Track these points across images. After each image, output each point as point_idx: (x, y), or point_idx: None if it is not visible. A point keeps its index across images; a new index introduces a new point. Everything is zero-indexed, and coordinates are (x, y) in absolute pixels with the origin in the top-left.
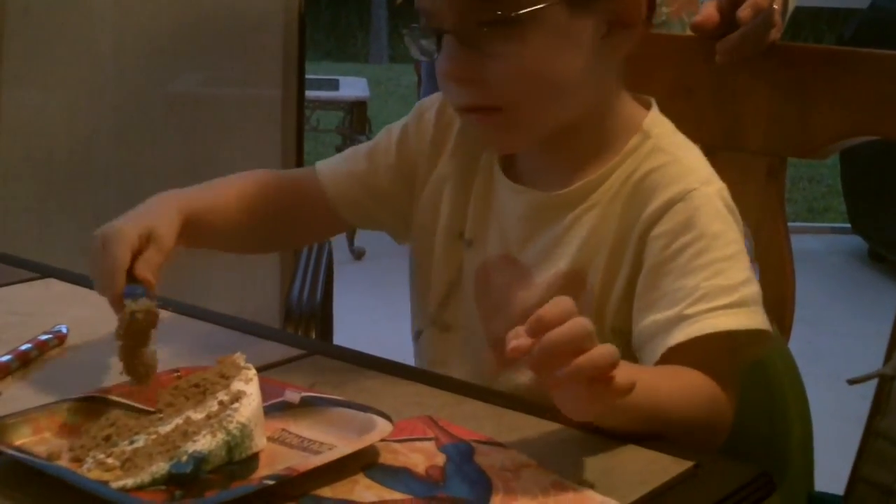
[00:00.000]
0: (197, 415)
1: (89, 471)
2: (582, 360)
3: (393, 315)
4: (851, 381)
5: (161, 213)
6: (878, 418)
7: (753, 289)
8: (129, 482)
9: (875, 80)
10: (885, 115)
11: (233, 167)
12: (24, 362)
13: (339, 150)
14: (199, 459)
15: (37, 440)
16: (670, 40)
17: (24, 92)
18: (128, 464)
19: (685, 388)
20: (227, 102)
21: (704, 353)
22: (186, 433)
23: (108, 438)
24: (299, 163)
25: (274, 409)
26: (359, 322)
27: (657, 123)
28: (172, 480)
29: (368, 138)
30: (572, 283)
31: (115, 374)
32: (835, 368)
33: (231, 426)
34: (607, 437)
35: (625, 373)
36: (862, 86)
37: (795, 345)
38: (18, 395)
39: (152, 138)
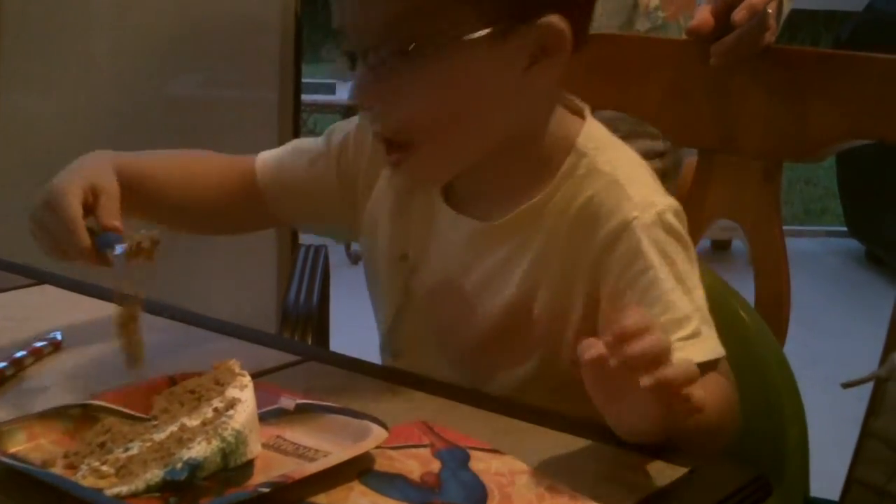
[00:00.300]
0: (192, 421)
1: (84, 478)
2: (666, 372)
3: None
4: (846, 385)
5: (98, 169)
6: (871, 419)
7: (702, 313)
8: (123, 489)
9: (871, 83)
10: (881, 118)
11: None
12: (19, 369)
13: None
14: (194, 466)
15: (31, 447)
16: (666, 44)
17: (21, 95)
18: (122, 471)
19: (717, 400)
20: (223, 105)
21: None
22: (181, 440)
23: (102, 445)
24: None
25: (269, 415)
26: (355, 326)
27: (591, 138)
28: (167, 487)
29: None
30: (518, 312)
31: (110, 381)
32: (831, 371)
33: (226, 433)
34: (602, 442)
35: (699, 390)
36: (858, 89)
37: (791, 347)
38: (13, 401)
39: (149, 141)
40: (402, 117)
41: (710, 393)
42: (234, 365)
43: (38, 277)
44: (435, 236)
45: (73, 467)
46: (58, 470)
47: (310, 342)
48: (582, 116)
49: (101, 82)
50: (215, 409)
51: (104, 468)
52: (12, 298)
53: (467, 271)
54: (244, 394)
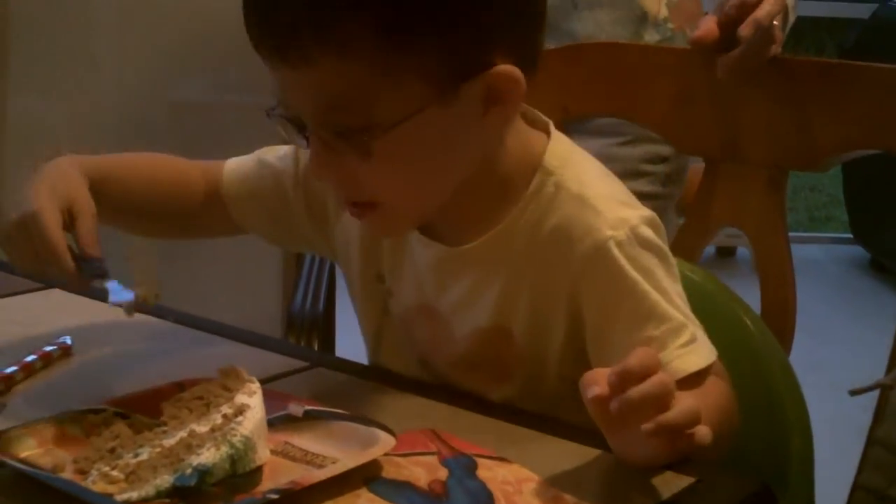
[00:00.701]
0: (201, 427)
1: (94, 483)
2: (668, 418)
3: None
4: (853, 392)
5: (71, 183)
6: (875, 426)
7: (691, 318)
8: (133, 495)
9: (875, 94)
10: (885, 129)
11: None
12: (28, 373)
13: None
14: (203, 472)
15: (41, 452)
16: (670, 52)
17: (28, 99)
18: (132, 476)
19: (719, 409)
20: (229, 110)
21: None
22: (190, 446)
23: (112, 451)
24: None
25: (277, 421)
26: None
27: (556, 155)
28: (177, 493)
29: None
30: (498, 337)
31: (120, 385)
32: (836, 378)
33: (235, 439)
34: (609, 450)
35: (705, 427)
36: (862, 99)
37: (796, 354)
38: (23, 406)
39: (155, 145)
40: (360, 189)
41: (710, 402)
42: (243, 371)
43: (46, 281)
44: (408, 258)
45: (82, 472)
46: (67, 475)
47: (316, 347)
48: (546, 131)
49: (108, 87)
50: (224, 416)
51: (114, 473)
52: (21, 302)
53: (440, 295)
54: (253, 400)
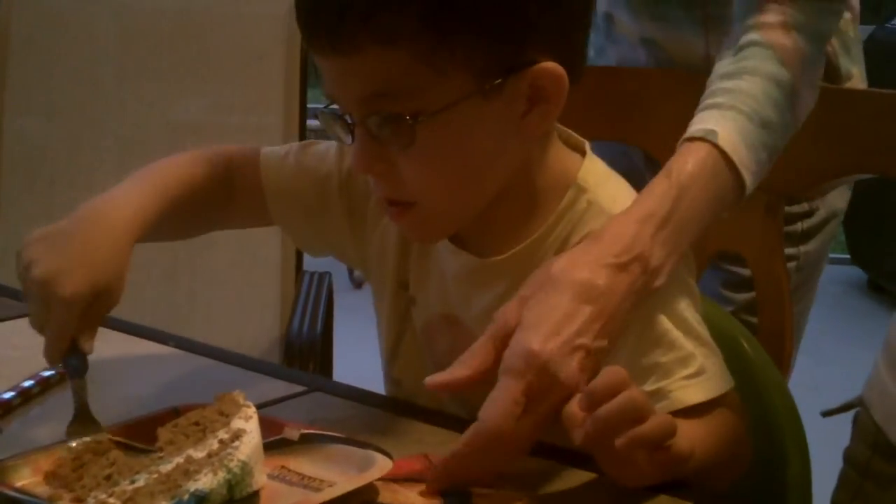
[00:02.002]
0: (197, 453)
1: None
2: (640, 431)
3: None
4: (825, 414)
5: (113, 255)
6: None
7: (707, 349)
8: None
9: (871, 119)
10: (881, 153)
11: None
12: (26, 398)
13: None
14: (201, 498)
15: (37, 481)
16: (669, 76)
17: (27, 120)
18: (129, 503)
19: (719, 437)
20: (228, 130)
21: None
22: (188, 472)
23: (108, 478)
24: None
25: (273, 445)
26: (358, 351)
27: (591, 172)
28: None
29: None
30: None
31: (117, 411)
32: (833, 398)
33: (232, 464)
34: (603, 474)
35: (683, 440)
36: (858, 124)
37: (793, 375)
38: (20, 431)
39: None
40: (402, 185)
41: (710, 429)
42: (239, 396)
43: None
44: (435, 268)
45: (80, 500)
46: (65, 503)
47: (313, 369)
48: (581, 151)
49: (107, 108)
50: (221, 441)
51: (111, 501)
52: (19, 327)
53: (466, 305)
54: (249, 425)
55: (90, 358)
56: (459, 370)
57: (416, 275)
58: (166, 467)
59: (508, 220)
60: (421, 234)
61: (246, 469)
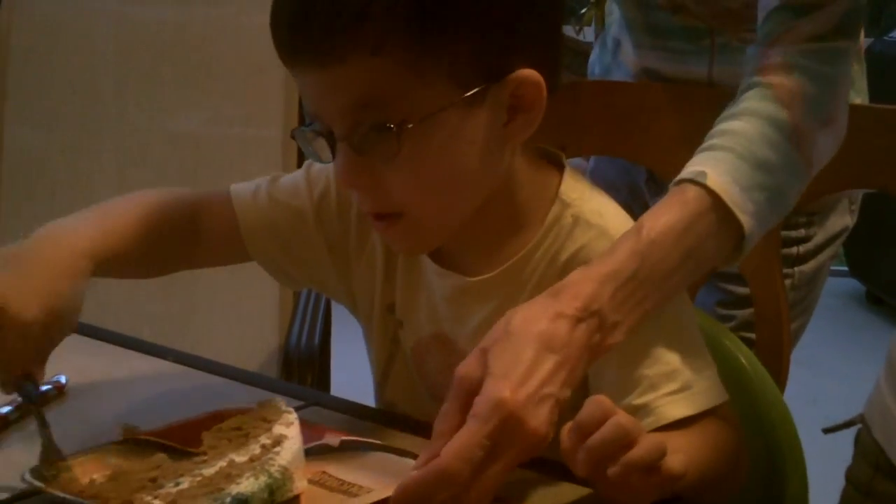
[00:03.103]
0: (240, 457)
1: None
2: (632, 457)
3: None
4: (826, 430)
5: (71, 282)
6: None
7: (697, 361)
8: None
9: (871, 134)
10: (880, 169)
11: None
12: (23, 413)
13: None
14: (243, 501)
15: (84, 483)
16: (668, 90)
17: (27, 130)
18: None
19: (711, 448)
20: (227, 143)
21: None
22: (230, 475)
23: (153, 480)
24: None
25: (314, 451)
26: (356, 364)
27: (572, 186)
28: None
29: None
30: None
31: (116, 424)
32: (831, 411)
33: (273, 469)
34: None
35: (676, 457)
36: (856, 139)
37: (791, 387)
38: (18, 446)
39: (153, 178)
40: (386, 197)
41: (701, 441)
42: (280, 402)
43: None
44: (422, 289)
45: (126, 502)
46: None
47: (311, 381)
48: (560, 165)
49: (107, 119)
50: (263, 446)
51: (155, 502)
52: None
53: (456, 325)
54: (290, 431)
55: (92, 372)
56: (437, 443)
57: (403, 297)
58: (209, 471)
59: (493, 237)
60: (408, 245)
61: (286, 474)
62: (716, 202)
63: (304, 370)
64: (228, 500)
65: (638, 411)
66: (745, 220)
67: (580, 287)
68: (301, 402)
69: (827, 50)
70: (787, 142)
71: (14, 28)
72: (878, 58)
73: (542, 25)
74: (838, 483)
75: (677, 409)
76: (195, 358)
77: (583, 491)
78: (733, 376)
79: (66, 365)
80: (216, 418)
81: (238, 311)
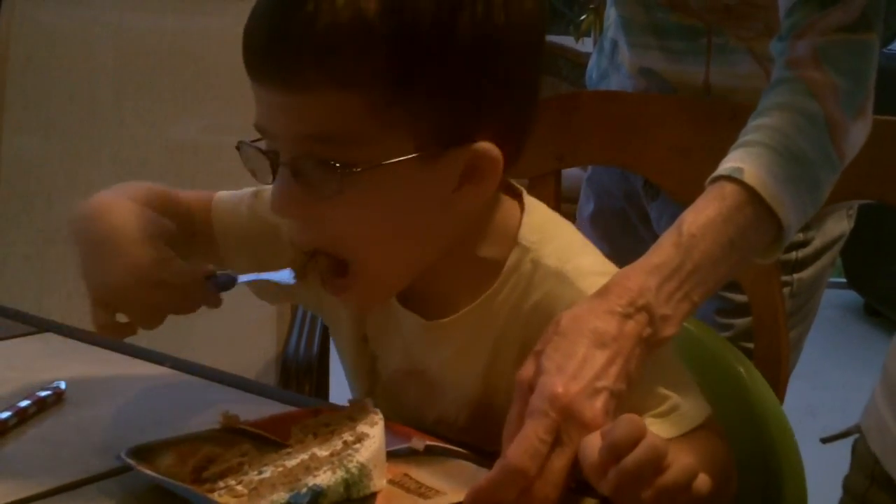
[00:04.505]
0: (322, 452)
1: (220, 496)
2: (666, 481)
3: None
4: (824, 440)
5: (131, 213)
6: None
7: (678, 380)
8: None
9: (870, 145)
10: (878, 180)
11: None
12: (22, 419)
13: None
14: (317, 493)
15: (178, 465)
16: (668, 101)
17: (25, 138)
18: (253, 493)
19: (713, 464)
20: (226, 151)
21: None
22: (309, 468)
23: (240, 466)
24: None
25: (400, 453)
26: None
27: (532, 228)
28: None
29: None
30: (484, 405)
31: (114, 431)
32: (829, 423)
33: (350, 465)
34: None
35: (703, 478)
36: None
37: (789, 399)
38: (16, 452)
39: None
40: (321, 233)
41: (702, 460)
42: (369, 403)
43: (40, 325)
44: (392, 323)
45: (213, 483)
46: (198, 487)
47: (309, 389)
48: (520, 198)
49: (104, 126)
50: (345, 442)
51: (238, 488)
52: (14, 347)
53: (423, 360)
54: (373, 430)
55: (91, 379)
56: (507, 447)
57: (374, 331)
58: (291, 462)
59: (454, 284)
60: (357, 300)
61: (364, 471)
62: (753, 197)
63: (302, 378)
64: (304, 490)
65: None
66: (783, 213)
67: (626, 284)
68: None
69: (854, 42)
70: (822, 134)
71: (13, 36)
72: (878, 70)
73: (512, 104)
74: (835, 493)
75: (665, 430)
76: (194, 365)
77: (591, 502)
78: (733, 387)
79: (65, 371)
80: (310, 414)
81: (236, 321)
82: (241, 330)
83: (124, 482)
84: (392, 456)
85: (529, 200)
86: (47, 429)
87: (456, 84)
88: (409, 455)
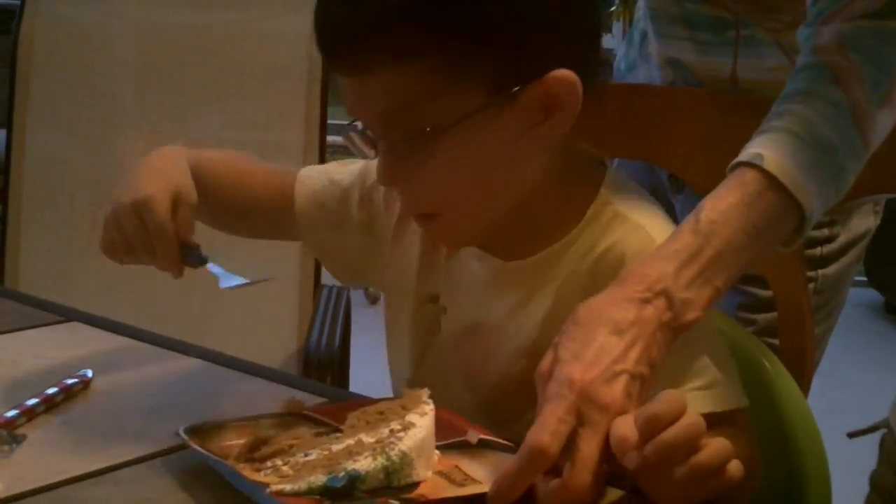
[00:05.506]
0: (368, 438)
1: (266, 475)
2: (700, 461)
3: None
4: (851, 435)
5: (177, 167)
6: (874, 470)
7: (722, 364)
8: (286, 487)
9: (893, 139)
10: None
11: None
12: (49, 406)
13: None
14: (355, 478)
15: (236, 444)
16: (690, 94)
17: (49, 134)
18: (297, 474)
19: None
20: (248, 146)
21: None
22: (352, 453)
23: (290, 447)
24: None
25: (454, 446)
26: (372, 365)
27: (615, 186)
28: (326, 493)
29: None
30: (540, 354)
31: (139, 419)
32: (849, 421)
33: (392, 452)
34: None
35: (735, 463)
36: (884, 142)
37: (810, 397)
38: (43, 439)
39: None
40: (423, 197)
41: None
42: (423, 393)
43: (67, 314)
44: (463, 275)
45: (261, 462)
46: (247, 465)
47: (330, 383)
48: (603, 166)
49: (128, 123)
50: (391, 430)
51: (284, 468)
52: (41, 335)
53: (490, 310)
54: (421, 420)
55: (117, 367)
56: None
57: (447, 286)
58: (337, 447)
59: (532, 228)
60: (445, 240)
61: (405, 460)
62: (774, 183)
63: (323, 372)
64: (342, 474)
65: None
66: (805, 200)
67: (643, 270)
68: (324, 400)
69: (881, 29)
70: (847, 122)
71: (37, 33)
72: None
73: (580, 26)
74: (857, 489)
75: (702, 404)
76: (220, 355)
77: (616, 493)
78: (758, 382)
79: (92, 360)
80: (370, 401)
81: (258, 315)
82: (263, 323)
83: (164, 464)
84: (446, 448)
85: (612, 167)
86: (74, 416)
87: (521, 26)
88: (463, 447)
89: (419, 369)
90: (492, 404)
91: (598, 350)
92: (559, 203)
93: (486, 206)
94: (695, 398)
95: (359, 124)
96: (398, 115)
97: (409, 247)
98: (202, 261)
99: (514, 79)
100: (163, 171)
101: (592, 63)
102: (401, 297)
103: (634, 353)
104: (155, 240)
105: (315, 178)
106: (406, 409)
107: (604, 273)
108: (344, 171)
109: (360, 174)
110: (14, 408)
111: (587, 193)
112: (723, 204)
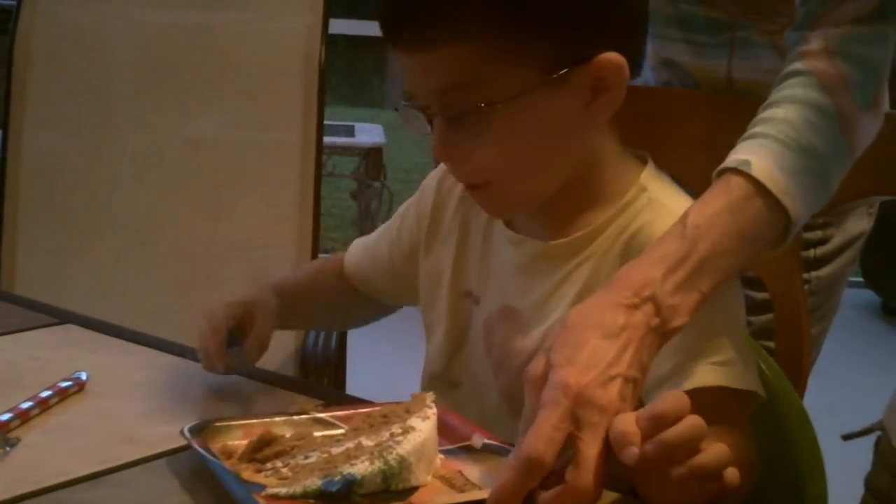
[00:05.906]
0: (368, 442)
1: (266, 477)
2: (700, 462)
3: (405, 361)
4: (845, 437)
5: (259, 290)
6: (869, 471)
7: (741, 348)
8: (282, 490)
9: (888, 141)
10: None
11: (252, 211)
12: (44, 408)
13: (353, 196)
14: (351, 482)
15: (241, 444)
16: (692, 96)
17: (47, 134)
18: (294, 476)
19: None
20: (246, 146)
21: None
22: (350, 456)
23: (292, 448)
24: (316, 208)
25: (459, 451)
26: (370, 368)
27: (654, 177)
28: (322, 496)
29: (383, 184)
30: None
31: (134, 421)
32: (847, 422)
33: (390, 457)
34: (628, 493)
35: (733, 469)
36: (875, 146)
37: (807, 398)
38: (38, 441)
39: (171, 182)
40: (476, 169)
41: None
42: (428, 397)
43: (61, 317)
44: (494, 266)
45: (262, 463)
46: (248, 465)
47: (327, 384)
48: (644, 162)
49: (125, 122)
50: (392, 434)
51: (284, 470)
52: (37, 338)
53: (522, 295)
54: (423, 424)
55: (112, 370)
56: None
57: (479, 277)
58: (337, 450)
59: (570, 210)
60: (495, 207)
61: (404, 464)
62: (760, 189)
63: (321, 374)
64: (338, 478)
65: (676, 372)
66: (791, 205)
67: (631, 276)
68: (321, 403)
69: (869, 34)
70: (833, 127)
71: (35, 32)
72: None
73: (629, 14)
74: (853, 490)
75: (715, 377)
76: None
77: (612, 496)
78: None
79: (87, 362)
80: (383, 405)
81: None
82: None
83: (160, 466)
84: (450, 454)
85: (652, 163)
86: (69, 418)
87: (570, 10)
88: (467, 452)
89: (451, 361)
90: (516, 391)
91: (592, 354)
92: (599, 188)
93: (534, 177)
94: (711, 370)
95: (410, 103)
96: (455, 92)
97: (444, 251)
98: (244, 364)
99: (565, 60)
100: (239, 299)
101: (638, 49)
102: (434, 296)
103: (627, 358)
104: (203, 341)
105: (365, 242)
106: (409, 412)
107: (635, 253)
108: (370, 238)
109: (398, 217)
110: (8, 410)
111: (627, 180)
112: (709, 209)
